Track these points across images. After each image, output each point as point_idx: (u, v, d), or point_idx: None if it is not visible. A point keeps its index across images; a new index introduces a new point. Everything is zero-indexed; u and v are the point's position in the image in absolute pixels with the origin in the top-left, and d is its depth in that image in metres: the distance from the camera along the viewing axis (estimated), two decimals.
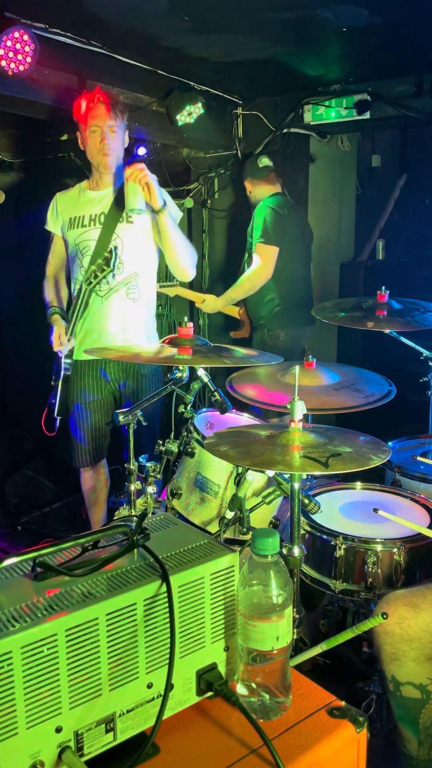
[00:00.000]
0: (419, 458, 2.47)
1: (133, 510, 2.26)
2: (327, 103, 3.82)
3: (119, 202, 2.80)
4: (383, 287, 2.71)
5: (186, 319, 2.23)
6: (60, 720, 0.91)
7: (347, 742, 1.03)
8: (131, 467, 2.27)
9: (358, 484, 2.31)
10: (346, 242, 4.82)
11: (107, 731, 0.96)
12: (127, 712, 0.98)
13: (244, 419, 2.55)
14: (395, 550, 1.90)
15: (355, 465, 1.59)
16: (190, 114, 3.60)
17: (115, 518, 2.27)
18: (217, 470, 2.21)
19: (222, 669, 1.09)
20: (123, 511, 2.29)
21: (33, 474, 4.08)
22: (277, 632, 1.04)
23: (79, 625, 0.92)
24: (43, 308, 2.99)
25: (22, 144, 4.26)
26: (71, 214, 2.88)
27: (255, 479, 2.06)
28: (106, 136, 2.75)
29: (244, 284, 3.67)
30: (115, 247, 2.79)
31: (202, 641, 1.06)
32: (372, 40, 3.08)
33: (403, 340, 2.73)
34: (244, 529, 2.01)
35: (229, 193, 4.54)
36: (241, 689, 1.08)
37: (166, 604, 1.00)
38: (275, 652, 1.05)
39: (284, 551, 1.68)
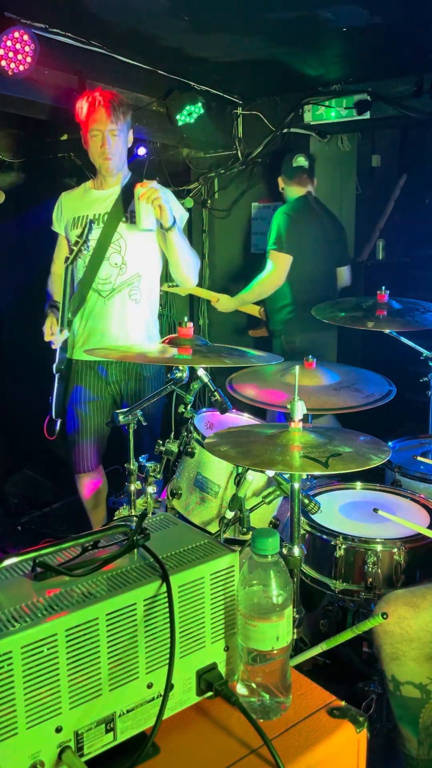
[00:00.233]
0: (419, 458, 2.47)
1: (133, 510, 2.26)
2: (327, 103, 3.82)
3: (122, 201, 2.79)
4: (383, 287, 2.71)
5: (186, 319, 2.23)
6: (60, 720, 0.91)
7: (347, 742, 1.04)
8: (131, 467, 2.27)
9: (358, 484, 2.31)
10: None
11: (107, 731, 0.96)
12: (127, 712, 0.98)
13: (244, 419, 2.55)
14: (395, 550, 1.90)
15: (355, 465, 1.59)
16: (190, 114, 3.60)
17: (115, 518, 2.26)
18: (217, 470, 2.21)
19: (222, 669, 1.09)
20: (123, 511, 2.29)
21: (33, 474, 4.08)
22: (277, 632, 1.04)
23: (79, 625, 0.92)
24: (44, 308, 2.98)
25: (23, 144, 4.26)
26: (75, 213, 2.87)
27: (255, 479, 2.06)
28: (107, 140, 2.72)
29: (255, 289, 3.68)
30: (92, 221, 2.76)
31: (202, 641, 1.06)
32: (372, 40, 3.08)
33: (403, 340, 2.73)
34: (244, 529, 2.01)
35: (229, 193, 4.54)
36: (241, 689, 1.08)
37: (166, 604, 1.00)
38: (275, 652, 1.05)
39: (284, 551, 1.68)
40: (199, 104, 3.62)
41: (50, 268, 3.03)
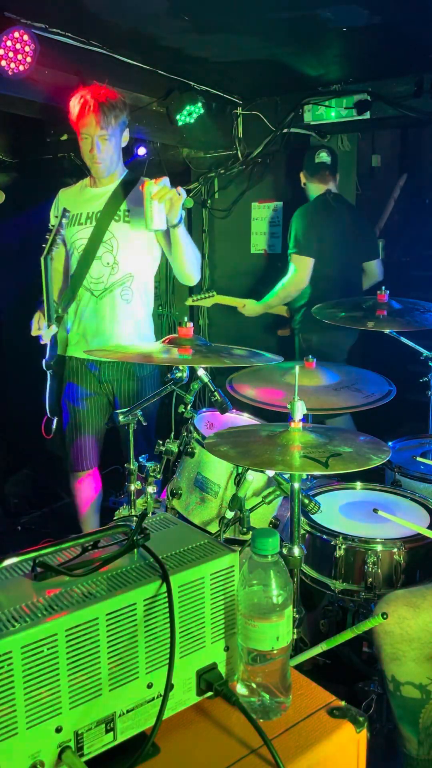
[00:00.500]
0: (419, 458, 2.47)
1: (133, 510, 2.26)
2: (327, 103, 3.82)
3: (114, 201, 2.77)
4: (383, 287, 2.71)
5: (186, 319, 2.23)
6: (60, 720, 0.91)
7: (347, 742, 1.04)
8: (131, 467, 2.27)
9: (358, 484, 2.31)
10: None
11: (107, 731, 0.96)
12: (127, 712, 0.98)
13: (244, 419, 2.55)
14: (395, 550, 1.90)
15: (355, 465, 1.59)
16: (190, 114, 3.60)
17: (115, 518, 2.26)
18: (217, 470, 2.21)
19: (222, 669, 1.09)
20: (123, 511, 2.29)
21: (33, 474, 4.08)
22: (277, 632, 1.04)
23: (79, 625, 0.92)
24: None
25: (23, 144, 4.26)
26: (71, 210, 2.85)
27: (255, 479, 2.06)
28: (95, 145, 2.66)
29: (279, 293, 3.69)
30: (65, 210, 2.72)
31: (202, 641, 1.06)
32: (372, 40, 3.08)
33: (403, 340, 2.73)
34: (244, 529, 2.01)
35: (229, 193, 4.54)
36: (241, 689, 1.08)
37: (166, 604, 1.00)
38: (275, 652, 1.05)
39: (284, 551, 1.68)
40: (199, 104, 3.62)
41: None
